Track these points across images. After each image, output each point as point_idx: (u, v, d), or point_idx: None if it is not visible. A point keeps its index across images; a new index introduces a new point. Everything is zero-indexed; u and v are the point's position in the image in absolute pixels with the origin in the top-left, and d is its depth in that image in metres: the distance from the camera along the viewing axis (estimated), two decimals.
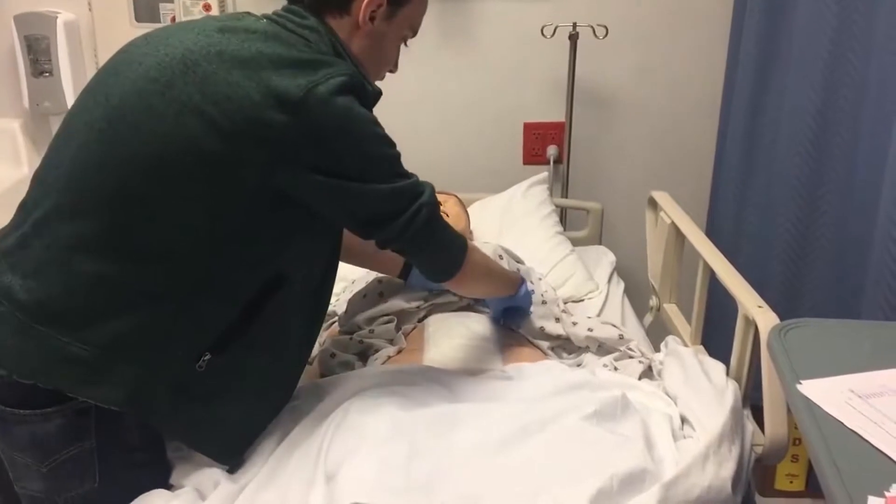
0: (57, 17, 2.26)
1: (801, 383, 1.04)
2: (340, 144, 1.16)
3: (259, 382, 1.28)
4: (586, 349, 1.65)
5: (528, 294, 1.66)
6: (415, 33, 1.38)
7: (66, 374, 1.14)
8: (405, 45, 1.39)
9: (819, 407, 0.99)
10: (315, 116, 1.12)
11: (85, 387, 1.15)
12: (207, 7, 2.26)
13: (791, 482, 2.28)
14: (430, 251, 1.33)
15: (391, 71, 1.41)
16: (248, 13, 1.28)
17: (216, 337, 1.19)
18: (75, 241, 1.14)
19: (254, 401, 1.29)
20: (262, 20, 1.24)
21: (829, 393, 1.02)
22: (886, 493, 0.83)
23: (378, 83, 1.35)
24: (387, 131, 1.22)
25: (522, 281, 1.64)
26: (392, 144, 1.24)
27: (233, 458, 1.28)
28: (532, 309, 1.67)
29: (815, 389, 1.03)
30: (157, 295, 1.15)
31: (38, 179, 1.22)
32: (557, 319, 1.67)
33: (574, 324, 1.65)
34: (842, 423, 0.96)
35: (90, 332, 1.13)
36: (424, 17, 1.38)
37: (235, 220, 1.16)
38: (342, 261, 1.54)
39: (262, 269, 1.21)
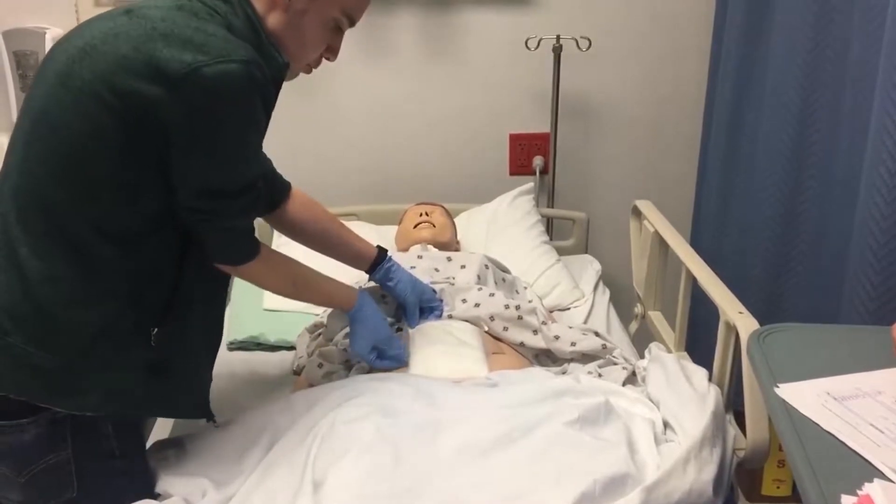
0: (45, 33, 2.26)
1: (778, 386, 1.06)
2: (203, 129, 1.13)
3: (199, 331, 1.32)
4: (571, 360, 1.66)
5: (370, 319, 1.52)
6: (351, 21, 1.30)
7: (36, 385, 1.16)
8: (342, 30, 1.31)
9: (796, 409, 1.01)
10: (189, 96, 1.09)
11: (56, 397, 1.17)
12: None
13: (778, 488, 2.28)
14: (212, 241, 1.27)
15: (329, 59, 1.34)
16: None
17: (157, 313, 1.23)
18: (22, 245, 1.15)
19: (199, 351, 1.34)
20: None
21: (806, 396, 1.04)
22: (859, 492, 0.85)
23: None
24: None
25: (357, 305, 1.51)
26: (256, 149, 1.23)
27: (207, 410, 1.37)
28: (504, 324, 1.66)
29: (793, 392, 1.05)
30: (107, 292, 1.18)
31: None
32: (535, 332, 1.66)
33: (556, 338, 1.64)
34: (818, 424, 0.98)
35: (52, 341, 1.15)
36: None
37: (145, 203, 1.17)
38: (305, 245, 1.58)
39: (177, 242, 1.23)
